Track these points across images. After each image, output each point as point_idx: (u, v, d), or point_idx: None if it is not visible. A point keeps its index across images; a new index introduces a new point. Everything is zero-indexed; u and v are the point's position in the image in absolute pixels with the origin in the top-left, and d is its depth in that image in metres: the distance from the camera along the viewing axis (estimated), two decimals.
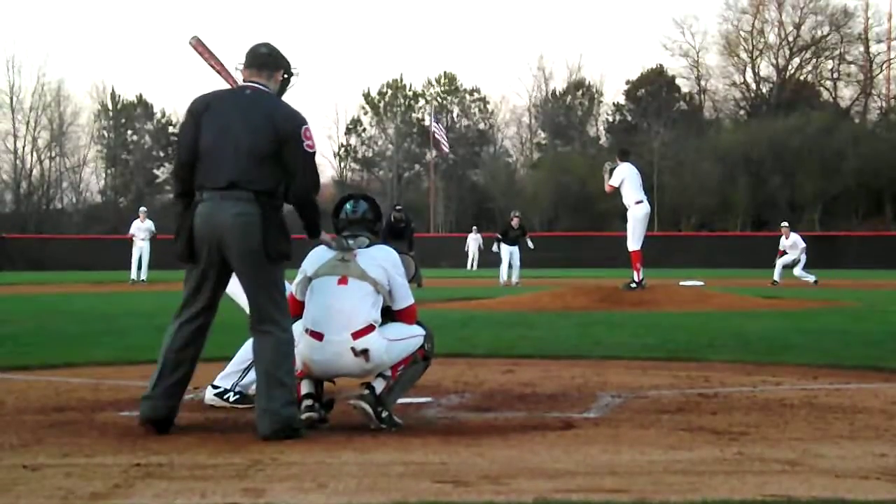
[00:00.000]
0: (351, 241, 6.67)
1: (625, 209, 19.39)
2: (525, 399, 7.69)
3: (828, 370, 9.45)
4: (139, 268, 32.11)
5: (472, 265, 46.89)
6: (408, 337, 6.58)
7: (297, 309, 6.52)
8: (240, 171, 6.10)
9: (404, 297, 6.65)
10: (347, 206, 6.89)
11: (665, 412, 6.99)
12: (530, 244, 31.71)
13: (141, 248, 32.03)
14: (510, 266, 30.61)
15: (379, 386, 6.42)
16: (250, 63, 6.47)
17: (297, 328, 6.38)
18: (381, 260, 6.62)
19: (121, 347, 11.49)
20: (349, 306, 6.40)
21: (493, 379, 8.80)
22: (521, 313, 17.20)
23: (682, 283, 23.87)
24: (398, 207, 29.77)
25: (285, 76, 6.56)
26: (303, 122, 6.30)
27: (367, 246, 6.69)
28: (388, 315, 6.62)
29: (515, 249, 30.81)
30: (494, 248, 31.50)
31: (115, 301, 21.81)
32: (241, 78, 6.50)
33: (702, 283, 26.19)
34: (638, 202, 19.18)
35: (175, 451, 5.64)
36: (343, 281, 6.48)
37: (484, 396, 7.80)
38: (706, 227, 64.49)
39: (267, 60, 6.47)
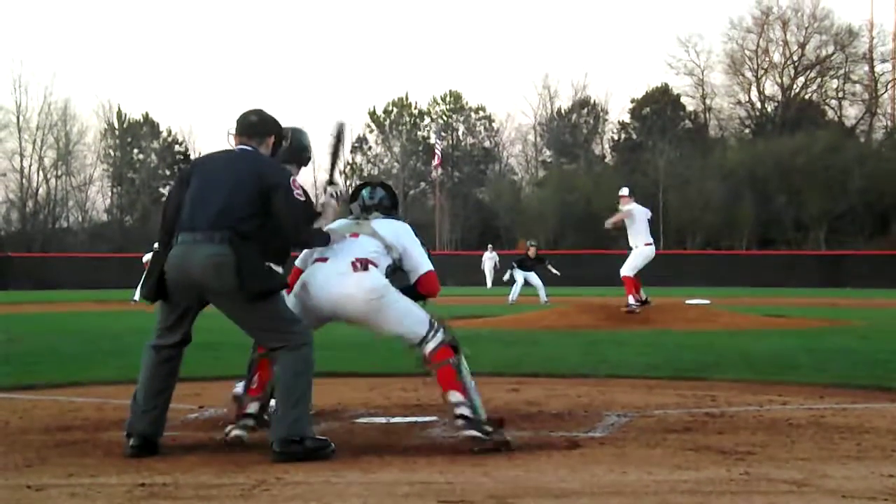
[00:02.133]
0: (365, 215, 6.76)
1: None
2: (530, 418, 7.67)
3: (834, 390, 9.42)
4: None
5: (488, 283, 46.66)
6: (413, 307, 6.46)
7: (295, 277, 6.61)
8: (218, 214, 6.13)
9: (422, 263, 6.63)
10: (364, 192, 6.94)
11: (671, 431, 6.96)
12: (555, 270, 30.78)
13: None
14: (532, 286, 29.99)
15: (463, 409, 6.27)
16: (240, 131, 6.53)
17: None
18: (396, 226, 6.68)
19: (126, 366, 11.45)
20: (356, 250, 6.44)
21: (499, 397, 8.77)
22: (527, 331, 17.18)
23: (687, 302, 23.79)
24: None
25: (277, 141, 6.64)
26: (290, 174, 6.41)
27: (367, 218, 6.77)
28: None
29: (532, 275, 30.29)
30: (506, 277, 31.29)
31: (121, 320, 21.80)
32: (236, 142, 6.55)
33: (707, 302, 26.11)
34: (648, 244, 19.20)
35: (179, 471, 5.62)
36: (354, 235, 6.56)
37: (489, 415, 7.77)
38: (712, 245, 64.43)
39: (257, 128, 6.54)
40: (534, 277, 30.26)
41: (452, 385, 6.33)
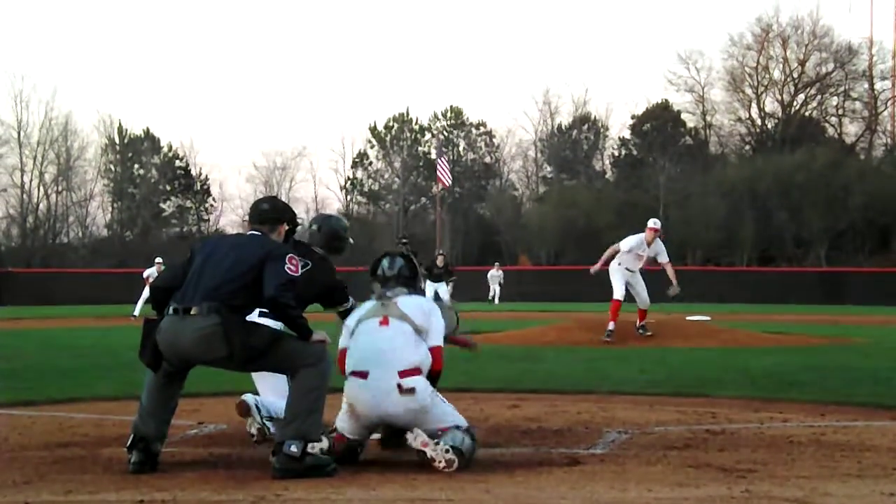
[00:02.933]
0: (388, 293, 6.75)
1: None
2: (531, 434, 7.66)
3: (835, 407, 9.40)
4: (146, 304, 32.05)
5: (494, 299, 46.47)
6: (451, 410, 6.55)
7: (341, 361, 6.64)
8: (212, 287, 6.20)
9: (436, 338, 6.65)
10: (384, 262, 6.97)
11: (672, 448, 6.95)
12: (447, 288, 29.81)
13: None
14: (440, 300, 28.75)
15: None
16: (253, 218, 6.69)
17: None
18: (423, 305, 6.73)
19: (125, 382, 11.44)
20: (392, 346, 6.45)
21: (499, 414, 8.76)
22: (528, 347, 17.17)
23: (688, 318, 23.77)
24: (404, 240, 29.34)
25: (290, 227, 6.78)
26: (289, 250, 6.45)
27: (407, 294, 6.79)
28: None
29: (442, 286, 29.75)
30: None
31: (120, 335, 21.77)
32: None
33: (708, 319, 26.10)
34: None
35: (178, 488, 5.61)
36: (384, 322, 6.57)
37: (490, 432, 7.76)
38: (712, 261, 64.41)
39: (269, 215, 6.70)
40: (443, 289, 29.67)
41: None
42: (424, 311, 6.68)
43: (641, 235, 18.21)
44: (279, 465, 5.96)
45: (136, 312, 31.93)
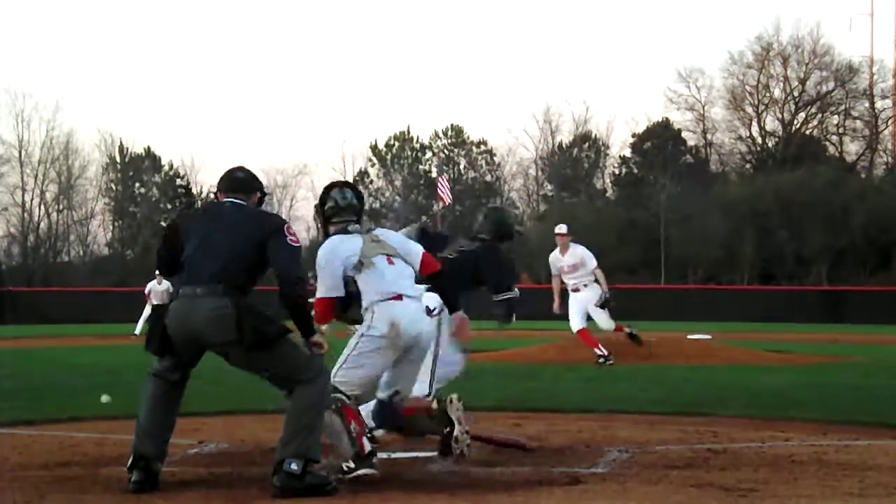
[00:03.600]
0: (350, 227, 7.07)
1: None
2: (532, 453, 7.64)
3: (837, 426, 9.37)
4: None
5: (513, 318, 45.50)
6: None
7: (329, 310, 6.88)
8: (218, 268, 6.22)
9: (418, 251, 7.21)
10: (335, 193, 7.22)
11: (673, 467, 6.94)
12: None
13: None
14: None
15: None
16: (227, 187, 6.69)
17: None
18: (399, 236, 7.35)
19: (126, 402, 11.40)
20: (405, 276, 6.95)
21: (500, 432, 8.74)
22: (529, 365, 17.13)
23: (689, 337, 23.75)
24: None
25: (261, 196, 6.81)
26: (284, 220, 6.62)
27: (368, 231, 7.15)
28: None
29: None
30: None
31: (121, 355, 21.74)
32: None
33: (709, 337, 26.07)
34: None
35: None
36: (390, 261, 6.96)
37: (490, 450, 7.75)
38: (713, 280, 64.30)
39: (243, 184, 6.72)
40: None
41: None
42: (401, 242, 7.20)
43: (557, 248, 17.51)
44: (279, 483, 5.95)
45: (137, 331, 31.87)
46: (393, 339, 6.71)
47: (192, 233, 6.44)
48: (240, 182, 6.69)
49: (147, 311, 31.83)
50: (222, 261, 6.22)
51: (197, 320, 6.14)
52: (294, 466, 5.97)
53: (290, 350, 6.26)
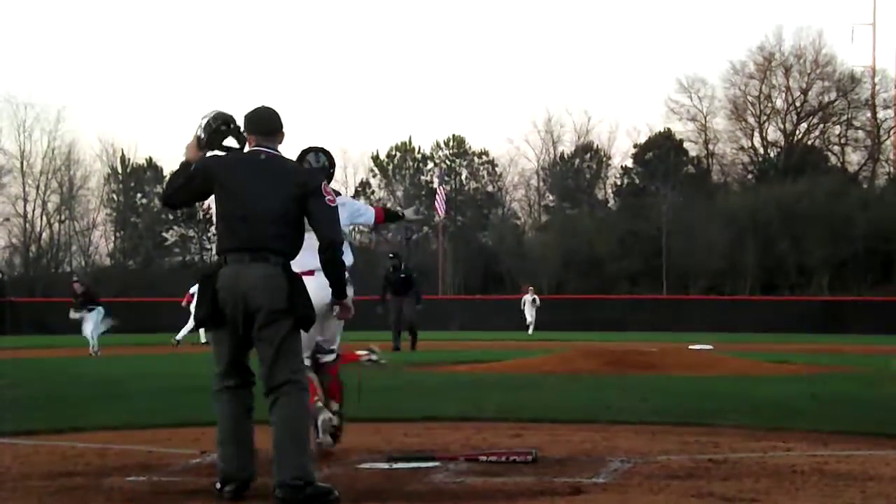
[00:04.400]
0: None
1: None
2: (533, 463, 7.64)
3: (838, 437, 9.37)
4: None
5: (529, 328, 43.74)
6: None
7: None
8: (268, 235, 6.17)
9: (362, 211, 8.22)
10: (311, 157, 7.85)
11: (675, 478, 6.94)
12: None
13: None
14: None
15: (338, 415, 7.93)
16: (258, 129, 6.48)
17: None
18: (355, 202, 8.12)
19: (128, 412, 11.44)
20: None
21: (501, 443, 8.75)
22: (530, 376, 17.14)
23: (691, 347, 23.76)
24: (391, 255, 28.11)
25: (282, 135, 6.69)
26: (322, 178, 6.75)
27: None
28: None
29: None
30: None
31: (123, 365, 21.77)
32: None
33: (711, 347, 26.08)
34: None
35: None
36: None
37: (492, 461, 7.75)
38: (715, 290, 64.30)
39: (275, 124, 6.54)
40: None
41: (337, 397, 7.97)
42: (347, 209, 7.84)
43: None
44: (282, 495, 5.95)
45: (179, 338, 31.73)
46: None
47: (228, 185, 6.28)
48: (271, 122, 6.51)
49: (191, 322, 31.10)
50: (270, 225, 6.16)
51: (249, 282, 6.09)
52: (296, 478, 5.98)
53: (300, 346, 6.35)
